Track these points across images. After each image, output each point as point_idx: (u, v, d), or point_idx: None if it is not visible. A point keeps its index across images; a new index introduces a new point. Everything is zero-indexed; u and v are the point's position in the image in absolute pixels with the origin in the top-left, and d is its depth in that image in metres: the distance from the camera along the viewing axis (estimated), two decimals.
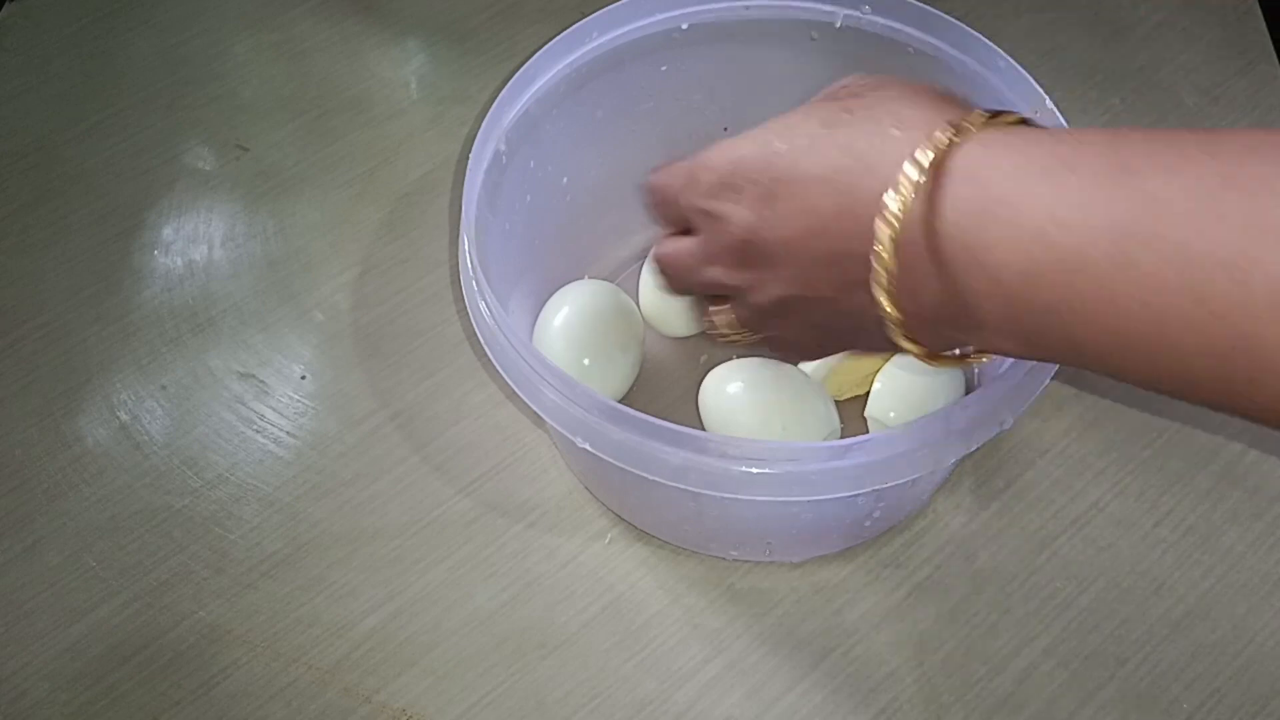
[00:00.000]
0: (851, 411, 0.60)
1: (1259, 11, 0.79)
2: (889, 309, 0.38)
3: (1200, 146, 0.32)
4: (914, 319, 0.39)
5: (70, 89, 0.77)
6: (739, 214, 0.42)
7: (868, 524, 0.56)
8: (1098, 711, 0.53)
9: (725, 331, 0.47)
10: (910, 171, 0.36)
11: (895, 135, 0.38)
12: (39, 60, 0.79)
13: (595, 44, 0.58)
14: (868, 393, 0.60)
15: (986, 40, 0.55)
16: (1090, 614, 0.56)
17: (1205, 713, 0.53)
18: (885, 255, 0.37)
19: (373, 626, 0.56)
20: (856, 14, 0.58)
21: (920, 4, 0.57)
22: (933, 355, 0.41)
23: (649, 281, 0.63)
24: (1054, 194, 0.34)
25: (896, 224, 0.36)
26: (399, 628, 0.56)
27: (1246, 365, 0.31)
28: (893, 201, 0.36)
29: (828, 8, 0.58)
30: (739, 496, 0.47)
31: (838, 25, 0.59)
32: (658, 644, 0.56)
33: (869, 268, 0.38)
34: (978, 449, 0.48)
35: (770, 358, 0.56)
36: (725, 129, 0.65)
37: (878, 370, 0.60)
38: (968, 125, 0.37)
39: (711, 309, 0.47)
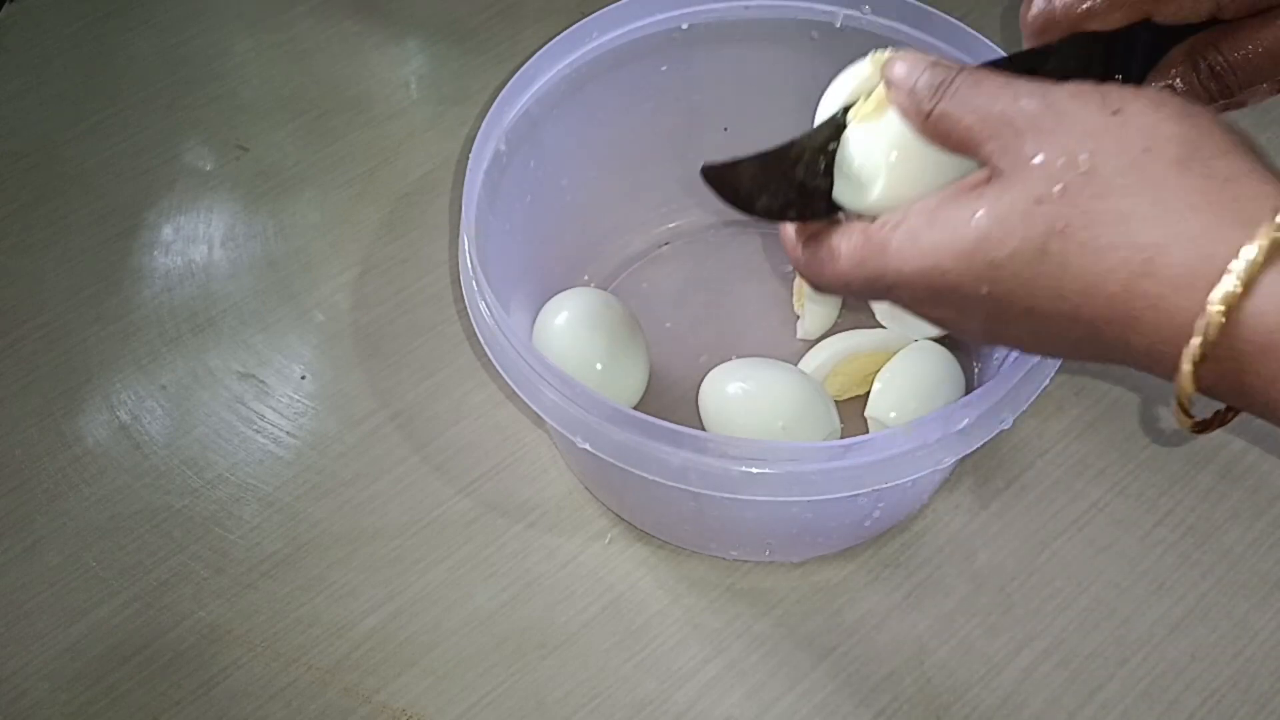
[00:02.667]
0: (851, 411, 0.60)
1: None
2: (1183, 418, 0.34)
3: None
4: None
5: (70, 89, 0.77)
6: (967, 322, 0.36)
7: (868, 524, 0.56)
8: (1098, 711, 0.53)
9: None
10: (1185, 363, 0.30)
11: (1152, 281, 0.31)
12: (39, 60, 0.79)
13: (595, 44, 0.58)
14: (868, 393, 0.60)
15: (987, 40, 0.55)
16: (1090, 614, 0.56)
17: (1205, 713, 0.53)
18: (1184, 389, 0.32)
19: (373, 626, 0.56)
20: (857, 14, 0.58)
21: (921, 4, 0.57)
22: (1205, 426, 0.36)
23: None
24: None
25: (1187, 391, 0.31)
26: (399, 628, 0.56)
27: None
28: (1179, 384, 0.31)
29: (828, 7, 0.58)
30: (739, 496, 0.47)
31: (838, 25, 0.59)
32: (658, 644, 0.56)
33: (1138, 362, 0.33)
34: (978, 449, 0.48)
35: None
36: (725, 129, 0.65)
37: (878, 370, 0.60)
38: (1252, 257, 0.29)
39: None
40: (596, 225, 0.66)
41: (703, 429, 0.57)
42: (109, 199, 0.72)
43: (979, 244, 0.34)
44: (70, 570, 0.58)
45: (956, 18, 0.56)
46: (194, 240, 0.70)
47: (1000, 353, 0.60)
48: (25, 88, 0.77)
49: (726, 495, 0.48)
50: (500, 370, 0.51)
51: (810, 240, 0.40)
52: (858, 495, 0.49)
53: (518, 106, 0.57)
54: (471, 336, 0.64)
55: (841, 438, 0.57)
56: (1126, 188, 0.32)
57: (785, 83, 0.62)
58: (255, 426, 0.63)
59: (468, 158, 0.55)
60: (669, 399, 0.62)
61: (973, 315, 0.36)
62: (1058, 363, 0.51)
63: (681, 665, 0.55)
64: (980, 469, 0.60)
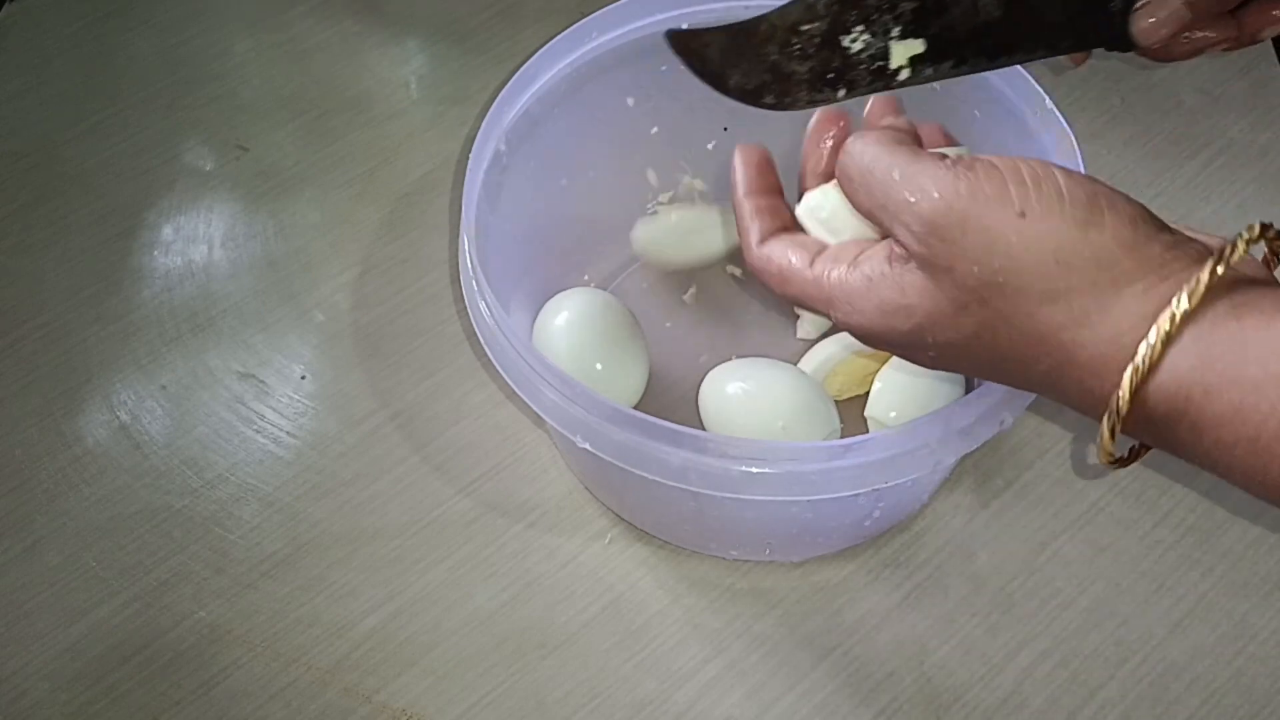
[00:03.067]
0: (852, 411, 0.60)
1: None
2: (1105, 457, 0.37)
3: None
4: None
5: (70, 89, 0.77)
6: (911, 354, 0.40)
7: (868, 524, 0.56)
8: (1098, 711, 0.53)
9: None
10: (1105, 429, 0.35)
11: (1075, 365, 0.35)
12: (39, 60, 0.79)
13: (595, 44, 0.58)
14: (868, 393, 0.60)
15: None
16: (1090, 614, 0.56)
17: (1205, 713, 0.53)
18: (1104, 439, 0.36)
19: (373, 626, 0.56)
20: None
21: None
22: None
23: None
24: None
25: (1109, 433, 0.35)
26: (399, 628, 0.56)
27: None
28: (1104, 428, 0.35)
29: None
30: (739, 496, 0.47)
31: None
32: (658, 644, 0.56)
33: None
34: (978, 449, 0.48)
35: None
36: (725, 129, 0.65)
37: (878, 370, 0.60)
38: (1170, 325, 0.33)
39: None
40: (596, 225, 0.66)
41: (703, 429, 0.57)
42: (109, 199, 0.72)
43: (918, 330, 0.38)
44: (70, 570, 0.58)
45: None
46: (194, 240, 0.70)
47: None
48: (25, 88, 0.77)
49: (727, 495, 0.47)
50: (500, 370, 0.51)
51: (765, 246, 0.43)
52: (858, 495, 0.49)
53: (518, 106, 0.57)
54: (471, 336, 0.64)
55: (841, 438, 0.57)
56: (1043, 294, 0.35)
57: None
58: (255, 426, 0.63)
59: (468, 158, 0.55)
60: (669, 399, 0.62)
61: (920, 360, 0.40)
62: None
63: (681, 665, 0.55)
64: (980, 469, 0.60)
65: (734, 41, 0.42)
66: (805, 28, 0.41)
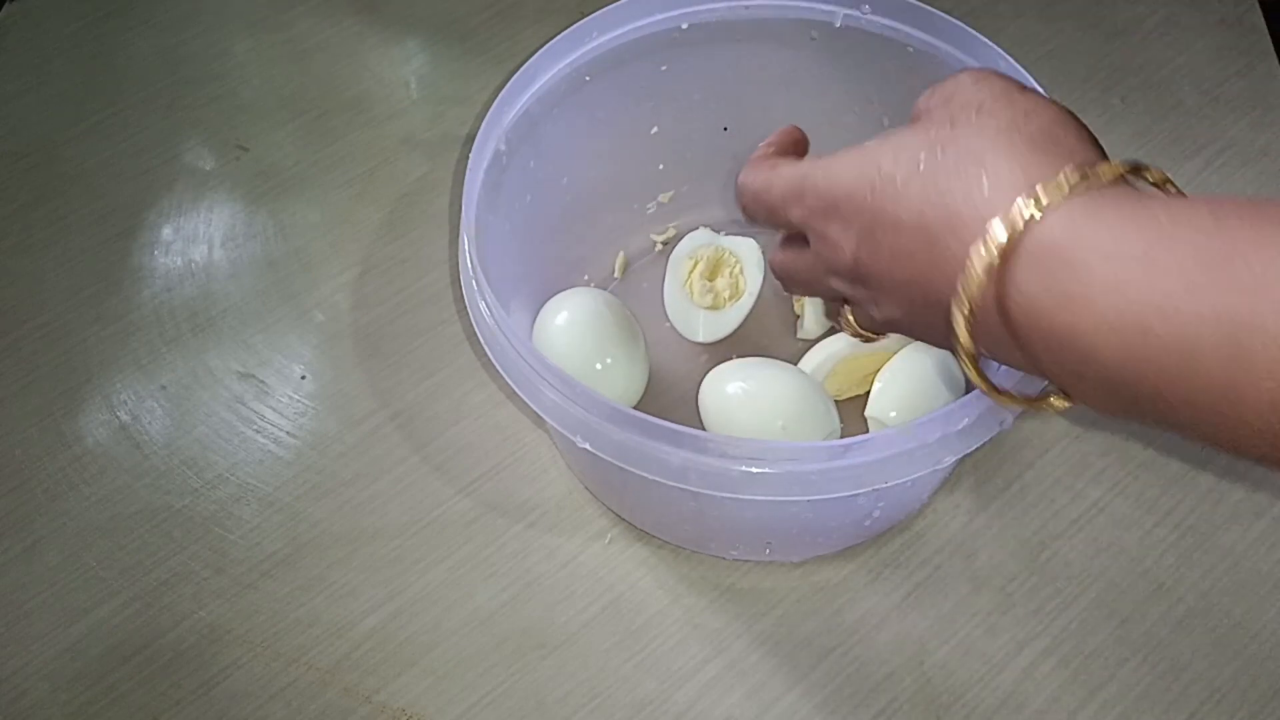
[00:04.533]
0: (852, 411, 0.60)
1: (1259, 11, 0.79)
2: (971, 372, 0.39)
3: None
4: (999, 378, 0.40)
5: (70, 89, 0.77)
6: (847, 242, 0.42)
7: (867, 524, 0.56)
8: (1098, 711, 0.53)
9: (858, 330, 0.48)
10: (980, 253, 0.36)
11: (982, 194, 0.37)
12: (39, 60, 0.79)
13: (595, 44, 0.58)
14: (868, 392, 0.60)
15: (987, 40, 0.55)
16: (1090, 614, 0.56)
17: (1205, 713, 0.53)
18: (961, 332, 0.38)
19: (373, 626, 0.56)
20: (856, 14, 0.58)
21: (920, 4, 0.57)
22: (1013, 399, 0.41)
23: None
24: (1153, 282, 0.33)
25: (967, 307, 0.37)
26: (399, 628, 0.56)
27: None
28: (965, 284, 0.36)
29: (828, 7, 0.58)
30: (739, 496, 0.47)
31: (837, 25, 0.59)
32: (658, 644, 0.56)
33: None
34: (977, 449, 0.48)
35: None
36: (725, 129, 0.65)
37: (878, 370, 0.60)
38: (1058, 189, 0.35)
39: (843, 311, 0.47)
40: (596, 225, 0.66)
41: (703, 429, 0.57)
42: (109, 199, 0.72)
43: (873, 154, 0.41)
44: (70, 570, 0.58)
45: (956, 18, 0.56)
46: (194, 240, 0.70)
47: None
48: (25, 88, 0.77)
49: (727, 495, 0.47)
50: (500, 370, 0.51)
51: (767, 159, 0.47)
52: (858, 495, 0.49)
53: (518, 106, 0.57)
54: (471, 336, 0.64)
55: (841, 438, 0.57)
56: (993, 145, 0.38)
57: (785, 82, 0.63)
58: (255, 426, 0.63)
59: (468, 158, 0.55)
60: (669, 399, 0.62)
61: (851, 228, 0.41)
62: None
63: (681, 665, 0.55)
64: (980, 469, 0.60)
65: None
66: None
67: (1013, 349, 0.37)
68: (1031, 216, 0.35)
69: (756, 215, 0.47)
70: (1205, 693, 0.54)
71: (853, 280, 0.43)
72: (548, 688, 0.54)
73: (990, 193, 0.37)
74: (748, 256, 0.64)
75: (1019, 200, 0.35)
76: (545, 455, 0.61)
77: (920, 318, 0.41)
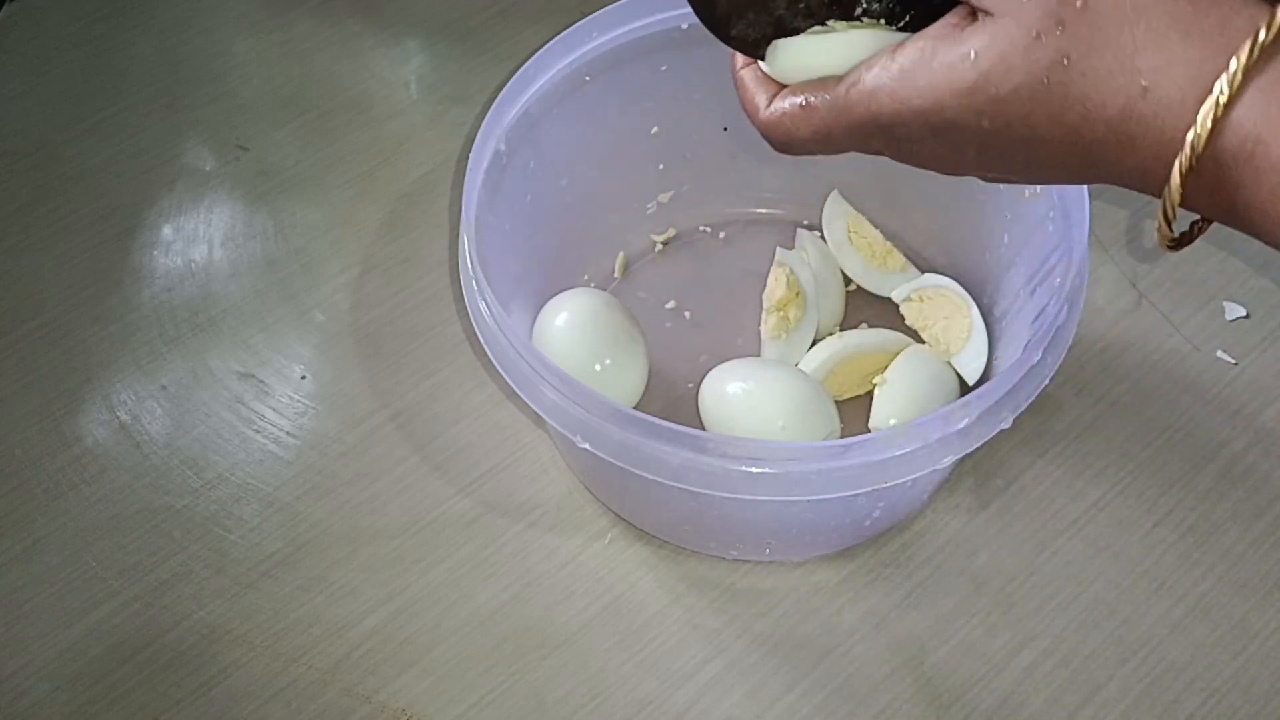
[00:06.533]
0: (852, 411, 0.60)
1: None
2: (1164, 224, 0.36)
3: None
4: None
5: (70, 89, 0.77)
6: (957, 156, 0.38)
7: (867, 524, 0.56)
8: (1098, 711, 0.53)
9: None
10: (1175, 175, 0.34)
11: (1147, 103, 0.34)
12: (39, 60, 0.79)
13: (595, 44, 0.58)
14: (868, 392, 0.60)
15: None
16: (1090, 614, 0.56)
17: (1205, 713, 0.53)
18: (1171, 203, 0.35)
19: (373, 626, 0.56)
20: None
21: None
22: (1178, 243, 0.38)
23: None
24: None
25: (1176, 197, 0.34)
26: (399, 628, 0.56)
27: None
28: (1167, 196, 0.34)
29: None
30: (739, 496, 0.47)
31: None
32: (658, 644, 0.56)
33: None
34: (977, 449, 0.48)
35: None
36: (725, 128, 0.65)
37: (878, 370, 0.60)
38: (1241, 66, 0.32)
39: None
40: (596, 225, 0.66)
41: (703, 429, 0.57)
42: (109, 199, 0.72)
43: (981, 81, 0.35)
44: (70, 570, 0.58)
45: None
46: (194, 240, 0.70)
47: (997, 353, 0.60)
48: (25, 88, 0.77)
49: (726, 495, 0.48)
50: (500, 370, 0.51)
51: (777, 98, 0.41)
52: (858, 495, 0.49)
53: (518, 106, 0.57)
54: (471, 336, 0.64)
55: (841, 438, 0.57)
56: (1122, 17, 0.34)
57: None
58: (255, 426, 0.63)
59: (468, 158, 0.55)
60: (669, 399, 0.62)
61: (967, 147, 0.37)
62: (1058, 363, 0.51)
63: (681, 665, 0.55)
64: (980, 469, 0.60)
65: None
66: None
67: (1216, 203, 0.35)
68: (1218, 110, 0.33)
69: (802, 153, 0.42)
70: (1205, 693, 0.54)
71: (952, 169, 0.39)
72: (548, 688, 0.54)
73: (1155, 93, 0.33)
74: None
75: (1204, 107, 0.33)
76: (545, 455, 0.61)
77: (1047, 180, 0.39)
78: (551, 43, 0.58)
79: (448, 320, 0.66)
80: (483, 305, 0.51)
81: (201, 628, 0.56)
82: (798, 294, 0.62)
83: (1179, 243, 0.38)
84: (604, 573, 0.57)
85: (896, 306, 0.64)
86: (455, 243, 0.69)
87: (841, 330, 0.64)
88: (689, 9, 0.60)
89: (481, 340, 0.52)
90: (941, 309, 0.62)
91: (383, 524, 0.59)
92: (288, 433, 0.62)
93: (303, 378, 0.64)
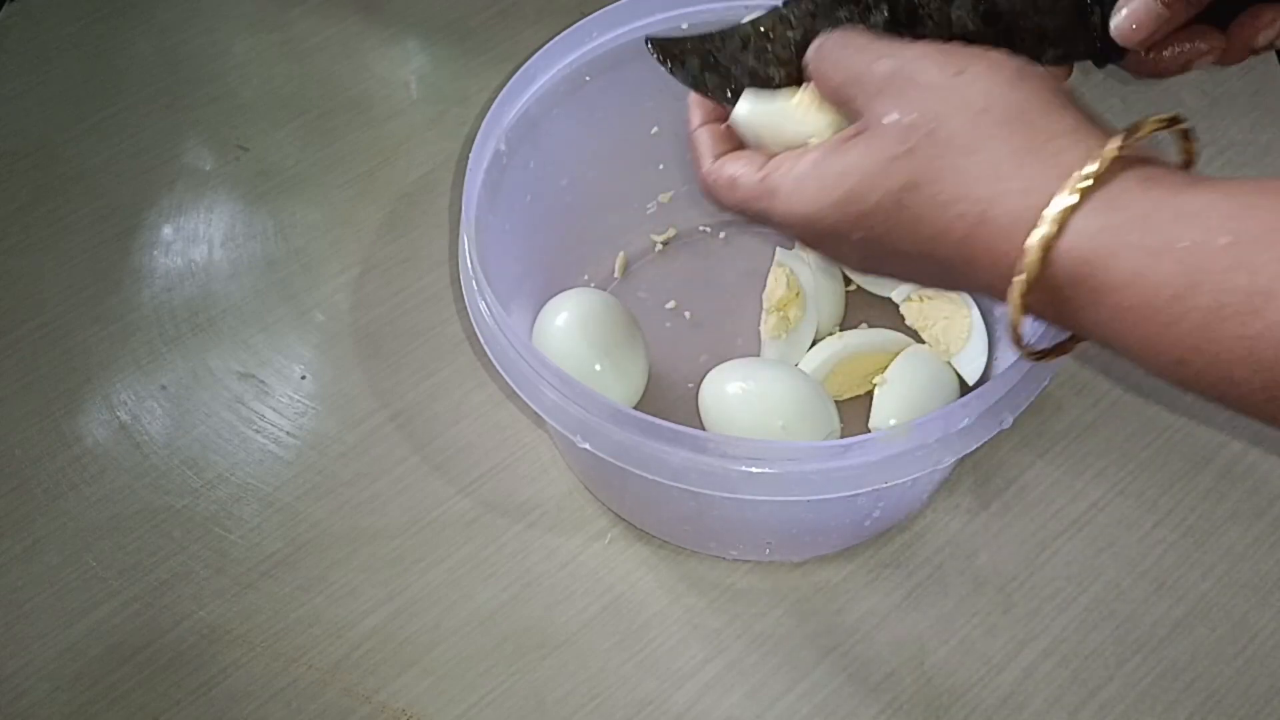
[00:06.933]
0: (852, 411, 0.60)
1: None
2: (1014, 335, 0.38)
3: None
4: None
5: (70, 89, 0.77)
6: (844, 259, 0.42)
7: (867, 524, 0.56)
8: (1098, 711, 0.53)
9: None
10: (1014, 295, 0.36)
11: (986, 229, 0.36)
12: (39, 60, 0.79)
13: (595, 44, 0.58)
14: (868, 393, 0.60)
15: None
16: (1090, 614, 0.56)
17: (1205, 713, 0.53)
18: (1015, 311, 0.36)
19: (373, 626, 0.56)
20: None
21: None
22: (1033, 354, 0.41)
23: None
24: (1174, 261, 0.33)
25: (1021, 293, 0.36)
26: (399, 628, 0.56)
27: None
28: (1021, 272, 0.35)
29: None
30: (739, 496, 0.47)
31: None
32: (658, 644, 0.56)
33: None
34: (977, 449, 0.48)
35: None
36: (726, 127, 0.65)
37: (878, 370, 0.60)
38: (1072, 198, 0.34)
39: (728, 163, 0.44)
40: (596, 225, 0.66)
41: (703, 429, 0.57)
42: (109, 199, 0.72)
43: (849, 197, 0.39)
44: (70, 570, 0.58)
45: None
46: (194, 240, 0.70)
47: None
48: (25, 88, 0.77)
49: (726, 495, 0.47)
50: (500, 370, 0.51)
51: (718, 162, 0.44)
52: (858, 495, 0.49)
53: (518, 106, 0.57)
54: (471, 336, 0.64)
55: (841, 438, 0.57)
56: (965, 146, 0.37)
57: None
58: (255, 426, 0.63)
59: (468, 158, 0.55)
60: (669, 399, 0.62)
61: (851, 254, 0.40)
62: (1058, 363, 0.51)
63: (681, 665, 0.55)
64: (980, 469, 0.60)
65: (712, 49, 0.44)
66: (781, 35, 0.43)
67: (1059, 314, 0.36)
68: (1051, 237, 0.34)
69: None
70: (1205, 693, 0.54)
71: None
72: (548, 688, 0.54)
73: (996, 219, 0.36)
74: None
75: (1034, 236, 0.35)
76: (545, 455, 0.61)
77: (920, 279, 0.42)
78: (551, 43, 0.58)
79: (448, 320, 0.66)
80: (483, 305, 0.51)
81: (201, 628, 0.56)
82: (798, 294, 0.62)
83: (1041, 355, 0.41)
84: (604, 573, 0.57)
85: (896, 306, 0.64)
86: (455, 243, 0.69)
87: (841, 330, 0.64)
88: (689, 9, 0.60)
89: (481, 340, 0.52)
90: (941, 309, 0.62)
91: (383, 524, 0.59)
92: (288, 433, 0.62)
93: (303, 378, 0.64)
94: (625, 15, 0.58)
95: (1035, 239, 0.34)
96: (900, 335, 0.62)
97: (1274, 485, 0.59)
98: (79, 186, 0.73)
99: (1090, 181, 0.34)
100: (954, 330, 0.61)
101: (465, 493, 0.60)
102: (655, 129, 0.64)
